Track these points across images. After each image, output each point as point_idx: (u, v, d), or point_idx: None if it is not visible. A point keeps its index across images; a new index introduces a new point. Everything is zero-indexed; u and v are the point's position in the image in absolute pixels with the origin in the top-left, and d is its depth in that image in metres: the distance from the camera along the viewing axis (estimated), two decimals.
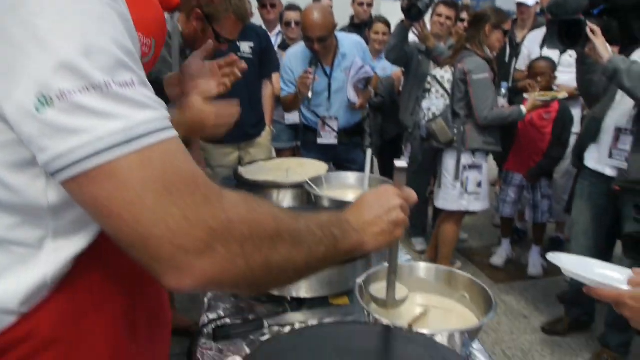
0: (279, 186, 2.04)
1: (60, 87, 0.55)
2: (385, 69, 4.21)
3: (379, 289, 1.17)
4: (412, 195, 1.00)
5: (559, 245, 4.12)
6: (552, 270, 3.80)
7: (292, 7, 4.14)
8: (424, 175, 4.07)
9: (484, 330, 3.12)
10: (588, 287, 1.06)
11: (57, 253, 0.67)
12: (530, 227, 4.17)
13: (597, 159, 2.68)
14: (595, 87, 2.70)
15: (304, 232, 0.75)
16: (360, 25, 4.65)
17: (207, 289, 0.67)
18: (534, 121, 3.59)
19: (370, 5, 4.72)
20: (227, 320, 1.35)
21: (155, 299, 0.86)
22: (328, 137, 3.23)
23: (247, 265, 0.66)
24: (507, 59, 4.53)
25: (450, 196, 3.45)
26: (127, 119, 0.58)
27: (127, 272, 0.76)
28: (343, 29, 4.39)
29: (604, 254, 2.67)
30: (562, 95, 3.37)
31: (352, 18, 4.85)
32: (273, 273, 0.70)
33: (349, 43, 3.23)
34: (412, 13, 3.42)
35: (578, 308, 3.04)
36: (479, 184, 3.39)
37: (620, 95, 2.54)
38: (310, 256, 0.76)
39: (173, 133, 0.63)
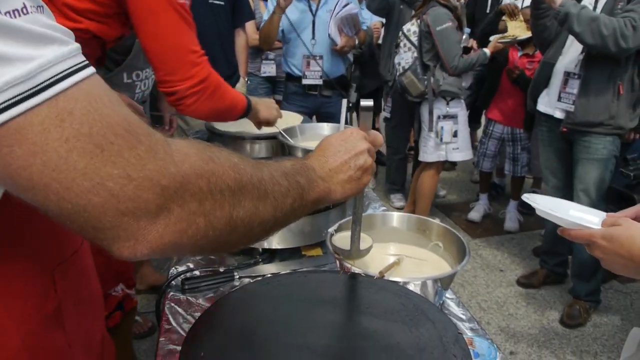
0: (252, 138, 1.98)
1: None
2: (365, 20, 4.10)
3: (342, 239, 1.12)
4: (378, 138, 0.93)
5: None
6: (528, 225, 3.85)
7: None
8: (403, 130, 4.03)
9: (459, 284, 3.17)
10: (562, 227, 1.04)
11: None
12: (508, 182, 4.19)
13: (547, 102, 2.77)
14: (548, 31, 2.77)
15: (268, 183, 0.68)
16: None
17: (167, 254, 0.58)
18: (516, 68, 3.55)
19: None
20: (197, 273, 1.31)
21: (80, 271, 0.75)
22: (313, 77, 3.18)
23: (208, 224, 0.58)
24: (488, 10, 4.44)
25: (428, 148, 3.45)
26: (29, 60, 0.45)
27: (36, 245, 0.64)
28: None
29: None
30: (524, 36, 3.38)
31: None
32: (238, 230, 0.63)
33: None
34: None
35: (551, 259, 3.08)
36: (455, 134, 3.37)
37: (570, 41, 2.62)
38: (277, 209, 0.69)
39: (90, 69, 0.50)
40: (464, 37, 3.35)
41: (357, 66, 4.00)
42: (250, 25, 3.32)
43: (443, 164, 3.61)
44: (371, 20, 4.10)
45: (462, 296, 3.06)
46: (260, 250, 1.37)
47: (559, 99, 2.67)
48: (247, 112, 1.69)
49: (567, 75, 2.63)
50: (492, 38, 3.42)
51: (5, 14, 0.44)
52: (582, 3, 2.50)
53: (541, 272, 3.14)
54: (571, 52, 2.63)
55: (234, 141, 1.98)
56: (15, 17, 0.45)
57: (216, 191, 0.58)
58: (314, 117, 3.42)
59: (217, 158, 0.60)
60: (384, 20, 3.96)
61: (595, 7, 2.51)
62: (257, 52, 3.70)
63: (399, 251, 1.26)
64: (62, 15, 1.31)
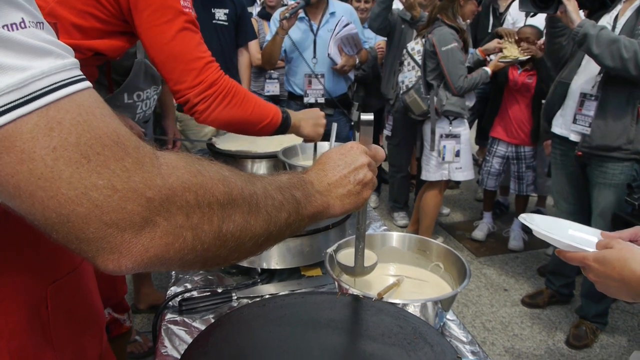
0: (252, 157, 1.98)
1: None
2: (369, 39, 4.13)
3: (347, 255, 1.11)
4: (380, 152, 0.92)
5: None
6: (533, 244, 3.81)
7: None
8: (406, 148, 4.03)
9: (463, 303, 3.13)
10: (558, 249, 1.02)
11: None
12: (513, 200, 4.17)
13: (562, 124, 2.69)
14: (563, 51, 2.71)
15: (261, 197, 0.66)
16: None
17: (152, 269, 0.57)
18: (518, 85, 3.55)
19: None
20: (195, 293, 1.30)
21: (76, 290, 0.74)
22: (315, 96, 3.20)
23: (195, 237, 0.56)
24: (490, 29, 4.47)
25: (431, 167, 3.44)
26: (22, 70, 0.46)
27: (32, 260, 0.64)
28: None
29: (587, 217, 2.67)
30: (524, 56, 3.37)
31: None
32: (228, 245, 0.61)
33: (340, 7, 3.28)
34: None
35: (558, 280, 3.04)
36: (457, 153, 3.36)
37: (586, 61, 2.55)
38: (271, 223, 0.67)
39: (85, 84, 0.51)
40: (468, 57, 3.37)
41: (361, 86, 4.01)
42: (253, 45, 3.35)
43: (447, 183, 3.59)
44: (375, 40, 4.12)
45: (466, 316, 3.02)
46: (259, 270, 1.36)
47: (574, 120, 2.57)
48: (285, 126, 1.62)
49: (583, 96, 2.53)
50: (492, 57, 3.44)
51: (3, 27, 0.45)
52: (601, 23, 2.44)
53: (546, 292, 3.10)
54: (587, 73, 2.54)
55: (234, 160, 1.98)
56: (12, 30, 0.46)
57: (204, 204, 0.57)
58: None
59: (206, 171, 0.60)
60: None
61: (614, 28, 2.43)
62: (260, 71, 3.72)
63: (399, 272, 1.25)
64: (67, 34, 1.32)
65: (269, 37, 3.25)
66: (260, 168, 1.99)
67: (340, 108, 3.35)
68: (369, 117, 0.92)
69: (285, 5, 3.83)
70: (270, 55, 3.22)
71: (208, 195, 0.58)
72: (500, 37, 3.49)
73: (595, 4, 2.55)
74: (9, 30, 0.45)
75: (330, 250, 1.17)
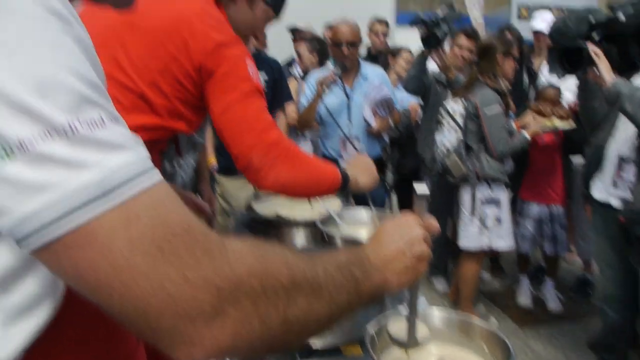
0: (292, 223, 1.98)
1: (19, 135, 0.45)
2: (402, 100, 4.18)
3: (396, 328, 1.08)
4: (434, 224, 0.91)
5: (587, 284, 3.94)
6: (579, 312, 3.63)
7: (299, 39, 4.22)
8: (443, 212, 3.96)
9: None
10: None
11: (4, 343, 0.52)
12: (542, 258, 4.01)
13: (601, 189, 2.62)
14: (596, 113, 2.67)
15: (322, 278, 0.66)
16: (376, 56, 4.65)
17: (223, 358, 0.57)
18: (545, 144, 3.50)
19: (385, 34, 4.76)
20: None
21: None
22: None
23: (263, 325, 0.56)
24: (524, 87, 4.46)
25: (470, 233, 3.32)
26: (102, 165, 0.48)
27: (94, 351, 0.65)
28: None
29: (633, 283, 2.54)
30: (563, 125, 3.32)
31: (368, 50, 4.87)
32: (294, 330, 0.61)
33: (372, 70, 3.36)
34: (431, 41, 3.43)
35: (610, 356, 2.86)
36: (499, 220, 3.26)
37: (621, 122, 2.49)
38: (332, 304, 0.66)
39: (157, 176, 0.53)
40: (510, 121, 3.34)
41: (396, 146, 4.03)
42: (289, 107, 3.45)
43: (486, 252, 3.46)
44: (408, 100, 4.17)
45: None
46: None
47: (614, 185, 2.51)
48: (345, 184, 1.59)
49: (621, 159, 2.48)
50: (529, 120, 3.38)
51: (84, 124, 0.48)
52: (636, 83, 2.42)
53: None
54: (623, 135, 2.50)
55: (273, 226, 1.99)
56: (92, 127, 0.49)
57: (270, 290, 0.57)
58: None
59: (270, 254, 0.61)
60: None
61: None
62: (294, 130, 3.80)
63: (441, 352, 1.20)
64: (157, 115, 1.41)
65: (303, 101, 3.34)
66: (299, 234, 1.99)
67: None
68: (423, 189, 0.92)
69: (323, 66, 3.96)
70: (307, 121, 3.30)
71: (273, 281, 0.58)
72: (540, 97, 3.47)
73: (624, 66, 2.52)
74: (89, 127, 0.49)
75: (370, 328, 1.14)
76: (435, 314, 1.25)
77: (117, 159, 0.50)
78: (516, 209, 3.75)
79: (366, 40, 4.88)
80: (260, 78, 1.52)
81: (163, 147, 1.60)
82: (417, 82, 3.70)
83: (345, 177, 1.59)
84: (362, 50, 4.89)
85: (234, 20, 1.60)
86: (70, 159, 0.47)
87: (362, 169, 1.70)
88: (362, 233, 1.88)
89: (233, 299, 0.54)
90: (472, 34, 3.82)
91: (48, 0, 0.49)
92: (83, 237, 0.48)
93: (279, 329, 0.59)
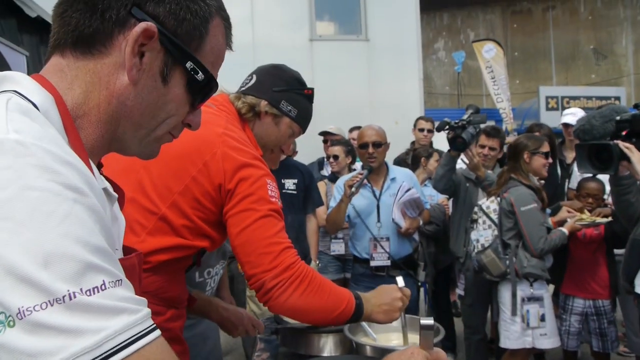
0: (319, 332, 1.94)
1: (20, 304, 0.49)
2: (432, 196, 4.20)
3: None
4: (442, 356, 0.90)
5: None
6: None
7: (335, 143, 4.35)
8: (481, 309, 3.82)
9: None
10: None
11: None
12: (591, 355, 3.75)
13: None
14: (633, 207, 2.63)
15: None
16: (417, 157, 4.62)
17: None
18: (587, 238, 3.40)
19: (430, 131, 4.87)
20: None
21: None
22: (380, 259, 3.19)
23: None
24: (559, 180, 4.43)
25: (512, 333, 3.17)
26: (99, 332, 0.51)
27: None
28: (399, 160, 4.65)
29: None
30: (601, 220, 3.22)
31: (412, 144, 5.01)
32: None
33: (400, 172, 3.41)
34: (458, 144, 3.47)
35: None
36: (542, 318, 3.12)
37: None
38: None
39: (154, 335, 0.56)
40: (547, 217, 3.29)
41: (432, 241, 3.99)
42: (320, 211, 3.49)
43: (530, 351, 3.28)
44: (438, 197, 4.19)
45: None
46: None
47: None
48: (358, 314, 1.52)
49: None
50: (564, 215, 3.32)
51: (86, 292, 0.51)
52: None
53: None
54: None
55: (299, 333, 1.96)
56: (92, 294, 0.52)
57: None
58: None
59: None
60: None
61: None
62: (326, 231, 3.84)
63: None
64: (179, 235, 1.42)
65: (332, 203, 3.37)
66: (327, 343, 1.94)
67: (406, 270, 3.30)
68: (428, 322, 0.92)
69: (354, 170, 4.05)
70: (335, 222, 3.30)
71: None
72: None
73: None
74: (90, 294, 0.51)
75: None
76: None
77: (114, 323, 0.52)
78: (558, 303, 3.60)
79: (411, 138, 5.05)
80: (279, 194, 1.51)
81: (188, 264, 1.60)
82: (447, 181, 3.72)
83: (359, 306, 1.53)
84: (407, 145, 5.08)
85: (259, 137, 1.65)
86: (68, 327, 0.49)
87: (382, 305, 1.61)
88: (393, 341, 1.83)
89: None
90: (492, 133, 3.88)
91: (63, 175, 0.55)
92: None
93: None
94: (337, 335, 1.93)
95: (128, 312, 0.54)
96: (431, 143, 4.95)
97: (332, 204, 3.35)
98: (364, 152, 3.23)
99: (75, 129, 0.65)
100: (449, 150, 3.62)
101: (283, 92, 1.65)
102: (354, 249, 3.38)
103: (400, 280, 1.71)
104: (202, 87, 0.74)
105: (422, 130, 4.89)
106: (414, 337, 1.74)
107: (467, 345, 3.98)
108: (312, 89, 1.72)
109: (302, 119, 1.70)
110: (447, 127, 3.51)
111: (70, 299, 0.50)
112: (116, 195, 0.75)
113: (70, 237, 0.52)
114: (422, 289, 1.66)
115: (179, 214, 1.41)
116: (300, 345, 1.93)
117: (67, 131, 0.63)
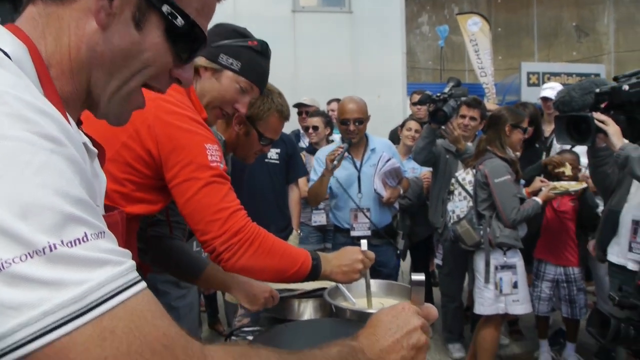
0: (298, 296, 2.00)
1: (0, 257, 0.47)
2: (415, 169, 4.25)
3: None
4: (433, 312, 0.90)
5: (611, 349, 3.80)
6: None
7: (313, 114, 4.35)
8: (457, 278, 3.94)
9: None
10: None
11: None
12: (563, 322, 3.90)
13: (618, 252, 2.63)
14: (609, 179, 2.71)
15: None
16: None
17: None
18: (561, 208, 3.53)
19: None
20: None
21: None
22: (361, 229, 3.24)
23: None
24: (540, 157, 4.51)
25: (485, 299, 3.29)
26: (82, 283, 0.49)
27: None
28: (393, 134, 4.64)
29: None
30: (575, 187, 3.34)
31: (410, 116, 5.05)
32: None
33: (379, 142, 3.44)
34: (439, 117, 3.49)
35: None
36: (515, 285, 3.24)
37: (635, 187, 2.54)
38: None
39: (139, 286, 0.54)
40: (521, 188, 3.37)
41: (407, 215, 4.06)
42: (302, 181, 3.52)
43: (504, 317, 3.40)
44: (420, 170, 4.24)
45: None
46: None
47: (630, 249, 2.52)
48: (315, 274, 1.57)
49: (636, 224, 2.51)
50: (538, 185, 3.42)
51: (67, 244, 0.50)
52: None
53: None
54: (637, 199, 2.54)
55: (280, 299, 2.00)
56: (74, 245, 0.50)
57: None
58: None
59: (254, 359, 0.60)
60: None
61: None
62: (306, 202, 3.87)
63: None
64: (112, 202, 1.43)
65: (312, 175, 3.38)
66: (307, 307, 2.00)
67: (387, 238, 3.37)
68: (419, 277, 0.92)
69: (332, 141, 4.07)
70: (317, 195, 3.32)
71: None
72: (545, 169, 3.52)
73: (633, 134, 2.56)
74: (71, 246, 0.50)
75: None
76: None
77: (97, 275, 0.51)
78: (532, 269, 3.72)
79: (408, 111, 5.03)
80: (222, 164, 1.48)
81: (135, 227, 1.57)
82: (427, 154, 3.77)
83: (316, 266, 1.57)
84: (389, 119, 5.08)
85: (201, 95, 1.60)
86: (49, 279, 0.48)
87: (342, 266, 1.66)
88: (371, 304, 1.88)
89: None
90: (473, 103, 3.91)
91: (38, 125, 0.52)
92: (54, 354, 0.48)
93: None
94: (317, 300, 1.98)
95: (112, 264, 0.52)
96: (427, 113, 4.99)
97: (312, 176, 3.38)
98: (345, 127, 3.21)
99: (50, 79, 0.63)
100: (429, 123, 3.64)
101: (221, 46, 1.59)
102: (335, 219, 3.44)
103: (364, 244, 1.75)
104: (183, 35, 0.68)
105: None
106: (384, 300, 1.81)
107: (444, 312, 4.11)
108: (260, 41, 1.64)
109: (249, 72, 1.62)
110: (429, 99, 3.54)
111: (51, 250, 0.48)
112: (96, 151, 0.73)
113: (48, 188, 0.50)
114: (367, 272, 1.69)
115: (109, 179, 1.43)
116: (281, 310, 1.97)
117: (41, 82, 0.61)
